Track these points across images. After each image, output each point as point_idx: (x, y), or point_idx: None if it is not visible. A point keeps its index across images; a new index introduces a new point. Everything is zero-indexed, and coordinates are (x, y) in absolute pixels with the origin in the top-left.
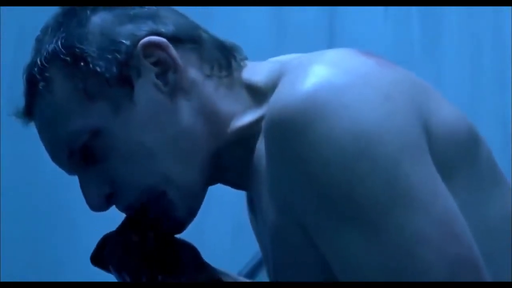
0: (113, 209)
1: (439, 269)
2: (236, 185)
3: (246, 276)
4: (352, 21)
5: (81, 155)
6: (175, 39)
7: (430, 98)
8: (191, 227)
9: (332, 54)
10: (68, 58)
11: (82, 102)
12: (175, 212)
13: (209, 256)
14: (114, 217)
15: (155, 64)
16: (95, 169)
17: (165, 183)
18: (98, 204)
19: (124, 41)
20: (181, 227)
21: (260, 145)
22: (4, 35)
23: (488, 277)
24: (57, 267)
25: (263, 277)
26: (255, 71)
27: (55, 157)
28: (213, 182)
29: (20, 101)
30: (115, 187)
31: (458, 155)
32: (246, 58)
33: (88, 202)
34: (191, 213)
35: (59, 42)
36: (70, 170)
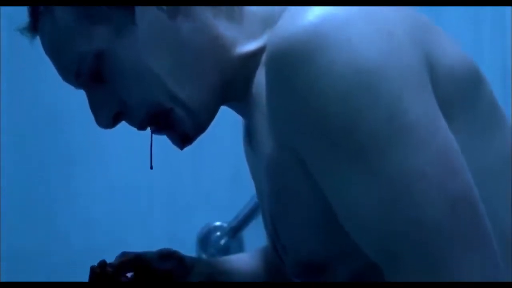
0: (109, 165)
1: (438, 205)
2: (239, 111)
3: (242, 221)
4: None
5: (88, 76)
6: None
7: (433, 35)
8: (189, 173)
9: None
10: None
11: (85, 25)
12: (183, 127)
13: (207, 201)
14: (108, 168)
15: None
16: (104, 89)
17: (171, 101)
18: (106, 122)
19: None
20: (189, 140)
21: (260, 75)
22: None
23: (485, 217)
24: (52, 215)
25: (259, 221)
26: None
27: (63, 76)
28: (221, 102)
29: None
30: (123, 106)
31: (459, 93)
32: None
33: (96, 120)
34: (199, 129)
35: None
36: (78, 87)
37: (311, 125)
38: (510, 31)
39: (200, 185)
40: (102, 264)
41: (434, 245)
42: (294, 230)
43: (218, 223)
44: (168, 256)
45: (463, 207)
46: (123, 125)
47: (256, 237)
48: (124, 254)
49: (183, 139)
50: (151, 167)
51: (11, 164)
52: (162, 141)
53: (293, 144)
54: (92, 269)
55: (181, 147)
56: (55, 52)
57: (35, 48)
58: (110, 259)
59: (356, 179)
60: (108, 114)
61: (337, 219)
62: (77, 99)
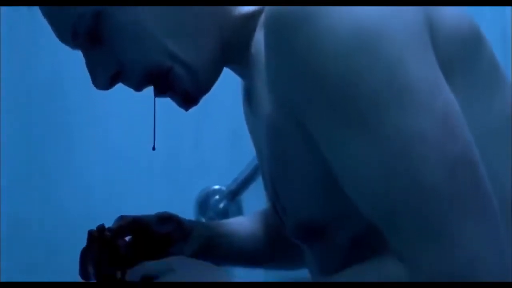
0: (108, 130)
1: (437, 168)
2: (239, 73)
3: (241, 184)
4: None
5: (85, 36)
6: None
7: None
8: (188, 136)
9: None
10: None
11: None
12: (183, 86)
13: (206, 164)
14: (107, 133)
15: None
16: (101, 49)
17: (171, 60)
18: (103, 83)
19: None
20: (193, 100)
21: (259, 36)
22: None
23: (486, 180)
24: (51, 181)
25: (258, 184)
26: None
27: (59, 36)
28: (222, 63)
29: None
30: (121, 67)
31: (459, 54)
32: None
33: (93, 82)
34: (201, 88)
35: None
36: (75, 48)
37: (310, 86)
38: (510, 32)
39: (199, 148)
40: (100, 228)
41: (434, 208)
42: (293, 192)
43: (217, 187)
44: (167, 219)
45: (463, 170)
46: (122, 90)
47: (255, 200)
48: (122, 218)
49: (186, 100)
50: (154, 148)
51: (9, 131)
52: (162, 105)
53: (292, 105)
54: (90, 233)
55: (186, 108)
56: (52, 13)
57: (33, 14)
58: (109, 224)
59: (355, 141)
60: (105, 75)
61: (336, 181)
62: (75, 64)
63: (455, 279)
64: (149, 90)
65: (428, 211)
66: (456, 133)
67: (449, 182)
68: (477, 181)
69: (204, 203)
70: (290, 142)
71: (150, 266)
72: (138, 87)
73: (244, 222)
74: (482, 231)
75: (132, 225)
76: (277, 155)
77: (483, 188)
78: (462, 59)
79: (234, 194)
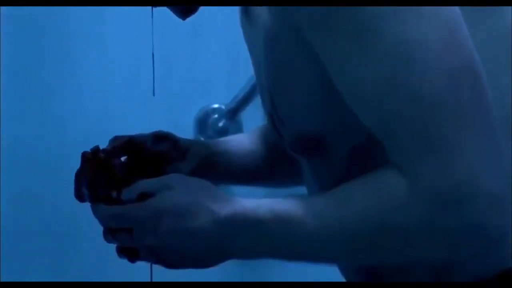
0: (106, 45)
1: (439, 76)
2: None
3: (240, 102)
4: None
5: None
6: None
7: None
8: (186, 55)
9: None
10: None
11: None
12: None
13: (205, 83)
14: (105, 47)
15: None
16: None
17: None
18: None
19: None
20: (190, 9)
21: None
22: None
23: (488, 92)
24: (48, 97)
25: (258, 103)
26: None
27: None
28: None
29: None
30: None
31: None
32: None
33: None
34: None
35: None
36: None
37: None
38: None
39: (198, 67)
40: (95, 150)
41: (434, 118)
42: (292, 103)
43: (216, 105)
44: (162, 138)
45: (466, 80)
46: (120, 9)
47: (254, 118)
48: (116, 138)
49: (183, 10)
50: (154, 94)
51: (10, 44)
52: (160, 20)
53: (292, 15)
54: (84, 155)
55: (183, 17)
56: None
57: None
58: (106, 144)
59: (356, 47)
60: None
61: (335, 91)
62: None
63: (454, 195)
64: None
65: (428, 121)
66: (460, 43)
67: (450, 92)
68: (479, 93)
69: (203, 122)
70: (289, 52)
71: (146, 184)
72: None
73: (243, 140)
74: (483, 146)
75: (127, 145)
76: (275, 65)
77: (486, 101)
78: None
79: (233, 113)
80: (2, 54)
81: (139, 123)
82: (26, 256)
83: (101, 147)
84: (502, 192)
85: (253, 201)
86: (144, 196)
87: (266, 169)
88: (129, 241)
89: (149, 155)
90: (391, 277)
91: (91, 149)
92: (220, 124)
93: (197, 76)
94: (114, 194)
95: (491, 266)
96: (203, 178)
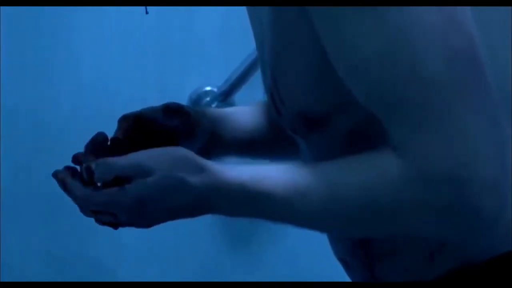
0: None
1: (436, 55)
2: None
3: (233, 84)
4: None
5: None
6: None
7: None
8: (178, 23)
9: None
10: None
11: None
12: None
13: (195, 65)
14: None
15: None
16: None
17: None
18: None
19: None
20: None
21: None
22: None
23: (486, 70)
24: (42, 66)
25: (251, 85)
26: None
27: None
28: None
29: None
30: None
31: None
32: None
33: None
34: None
35: None
36: None
37: None
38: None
39: (190, 50)
40: (100, 138)
41: (432, 97)
42: (293, 81)
43: (208, 88)
44: (174, 111)
45: (465, 63)
46: None
47: (247, 101)
48: (124, 118)
49: None
50: (146, 12)
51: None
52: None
53: None
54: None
55: None
56: None
57: None
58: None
59: (355, 21)
60: None
61: (335, 71)
62: None
63: (450, 176)
64: None
65: (425, 100)
66: (459, 22)
67: (449, 73)
68: (478, 76)
69: (195, 105)
70: (292, 28)
71: (121, 167)
72: None
73: (247, 115)
74: (483, 128)
75: (136, 125)
76: (278, 43)
77: (484, 84)
78: None
79: (226, 95)
80: (2, 49)
81: (133, 103)
82: (24, 217)
83: (106, 133)
84: (500, 175)
85: (234, 168)
86: (120, 180)
87: (270, 146)
88: (113, 221)
89: (160, 131)
90: (385, 257)
91: (94, 139)
92: (213, 106)
93: (189, 59)
94: None
95: (484, 249)
96: (208, 156)
